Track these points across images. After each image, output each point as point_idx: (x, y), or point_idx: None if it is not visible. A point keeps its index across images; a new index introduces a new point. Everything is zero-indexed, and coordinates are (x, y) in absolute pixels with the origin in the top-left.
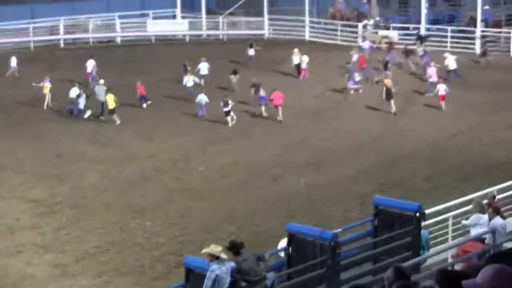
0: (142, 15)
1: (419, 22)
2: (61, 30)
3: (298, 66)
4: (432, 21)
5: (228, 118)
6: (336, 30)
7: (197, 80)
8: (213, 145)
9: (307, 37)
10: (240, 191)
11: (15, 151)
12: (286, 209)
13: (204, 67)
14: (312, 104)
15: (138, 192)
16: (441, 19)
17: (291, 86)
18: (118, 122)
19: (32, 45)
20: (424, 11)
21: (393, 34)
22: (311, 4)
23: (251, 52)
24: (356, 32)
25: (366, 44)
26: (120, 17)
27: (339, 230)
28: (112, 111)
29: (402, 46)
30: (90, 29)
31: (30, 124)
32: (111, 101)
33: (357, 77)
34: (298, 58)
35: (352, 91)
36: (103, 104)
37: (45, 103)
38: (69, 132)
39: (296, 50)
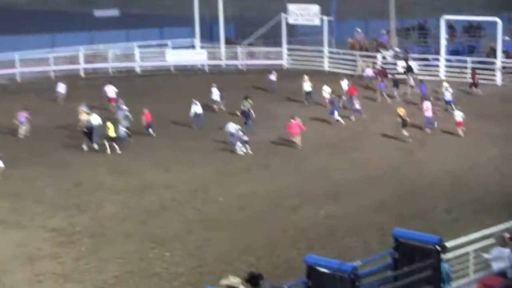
0: (161, 45)
1: (438, 53)
2: (81, 60)
3: (308, 93)
4: (452, 52)
5: (245, 147)
6: (355, 60)
7: (199, 110)
8: (231, 176)
9: (326, 68)
10: (258, 221)
11: (35, 180)
12: (305, 240)
13: (216, 93)
14: (330, 134)
15: (157, 222)
16: (461, 50)
17: (308, 116)
18: (109, 151)
19: (52, 74)
20: (443, 42)
21: (412, 65)
22: (329, 34)
23: (273, 77)
24: (375, 63)
25: (369, 72)
26: (139, 46)
27: (359, 262)
28: (111, 139)
29: (390, 76)
30: (110, 59)
31: (50, 153)
32: (111, 130)
33: (357, 105)
34: (309, 85)
35: (337, 120)
36: (128, 129)
37: (80, 127)
38: (88, 161)
39: (306, 77)
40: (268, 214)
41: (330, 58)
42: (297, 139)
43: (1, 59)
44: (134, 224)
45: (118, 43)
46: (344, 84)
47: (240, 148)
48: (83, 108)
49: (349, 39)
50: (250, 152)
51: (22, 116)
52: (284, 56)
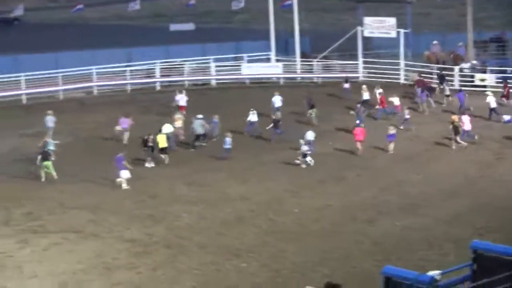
0: (237, 59)
1: None
2: (157, 73)
3: (366, 102)
4: None
5: (307, 159)
6: (431, 73)
7: (254, 119)
8: (306, 188)
9: (402, 80)
10: (334, 233)
11: (112, 191)
12: (380, 252)
13: (277, 100)
14: (406, 146)
15: (232, 233)
16: None
17: (383, 129)
18: (167, 161)
19: (129, 87)
20: None
21: (490, 77)
22: (406, 47)
23: (347, 85)
24: (453, 75)
25: None
26: (215, 60)
27: (437, 273)
28: (163, 150)
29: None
30: (185, 72)
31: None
32: (162, 141)
33: (407, 114)
34: (367, 94)
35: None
36: (199, 136)
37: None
38: (165, 173)
39: (364, 87)
40: (344, 226)
41: (407, 70)
42: (360, 145)
43: (79, 73)
44: (210, 235)
45: (193, 56)
46: (377, 93)
47: (302, 161)
48: (178, 116)
49: (425, 52)
50: (303, 165)
51: (125, 122)
52: (360, 69)
